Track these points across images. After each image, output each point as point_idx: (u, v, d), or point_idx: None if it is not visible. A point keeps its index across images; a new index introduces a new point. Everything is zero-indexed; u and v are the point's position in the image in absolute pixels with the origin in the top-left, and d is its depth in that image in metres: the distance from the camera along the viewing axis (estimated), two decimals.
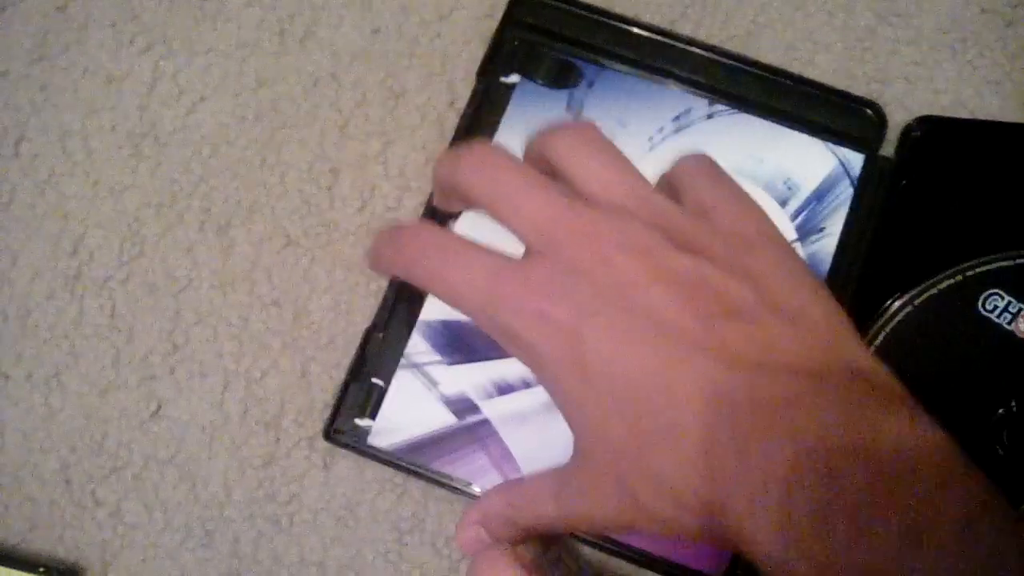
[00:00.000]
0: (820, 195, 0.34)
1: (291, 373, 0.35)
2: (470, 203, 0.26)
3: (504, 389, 0.33)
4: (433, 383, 0.33)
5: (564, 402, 0.24)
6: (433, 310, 0.33)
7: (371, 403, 0.33)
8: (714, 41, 0.36)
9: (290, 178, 0.36)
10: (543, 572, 0.27)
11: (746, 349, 0.22)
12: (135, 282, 0.35)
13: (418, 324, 0.33)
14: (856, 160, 0.34)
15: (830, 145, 0.35)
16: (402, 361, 0.33)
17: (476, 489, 0.32)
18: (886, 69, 0.37)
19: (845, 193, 0.34)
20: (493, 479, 0.32)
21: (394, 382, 0.33)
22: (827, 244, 0.34)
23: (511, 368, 0.33)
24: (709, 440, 0.21)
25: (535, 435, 0.32)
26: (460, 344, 0.33)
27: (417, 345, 0.33)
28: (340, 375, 0.34)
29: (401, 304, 0.34)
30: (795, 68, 0.36)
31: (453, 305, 0.25)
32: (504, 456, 0.32)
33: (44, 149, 0.36)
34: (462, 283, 0.25)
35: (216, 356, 0.35)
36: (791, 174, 0.34)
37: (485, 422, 0.33)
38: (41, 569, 0.33)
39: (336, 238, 0.35)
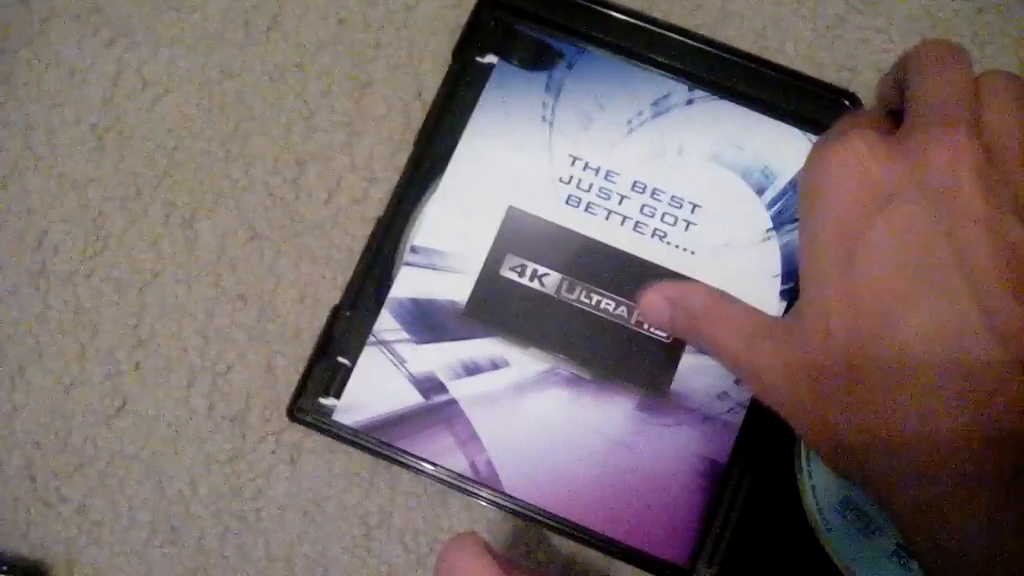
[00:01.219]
0: (797, 184, 0.34)
1: (257, 367, 0.34)
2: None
3: (472, 370, 0.33)
4: (401, 361, 0.33)
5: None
6: (403, 287, 0.33)
7: (336, 382, 0.33)
8: (687, 26, 0.35)
9: (255, 170, 0.35)
10: (511, 561, 0.26)
11: None
12: (100, 276, 0.35)
13: (387, 301, 0.33)
14: None
15: (809, 134, 0.34)
16: (370, 338, 0.33)
17: (442, 471, 0.32)
18: (856, 57, 0.36)
19: None
20: (458, 460, 0.32)
21: (361, 359, 0.33)
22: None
23: (480, 349, 0.33)
24: None
25: (502, 417, 0.32)
26: (429, 323, 0.33)
27: (386, 322, 0.33)
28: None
29: (369, 283, 0.33)
30: (765, 55, 0.35)
31: None
32: (470, 437, 0.32)
33: (7, 143, 0.36)
34: None
35: (181, 351, 0.35)
36: (769, 162, 0.34)
37: (452, 402, 0.32)
38: (4, 568, 0.33)
39: (302, 230, 0.35)
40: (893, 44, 0.36)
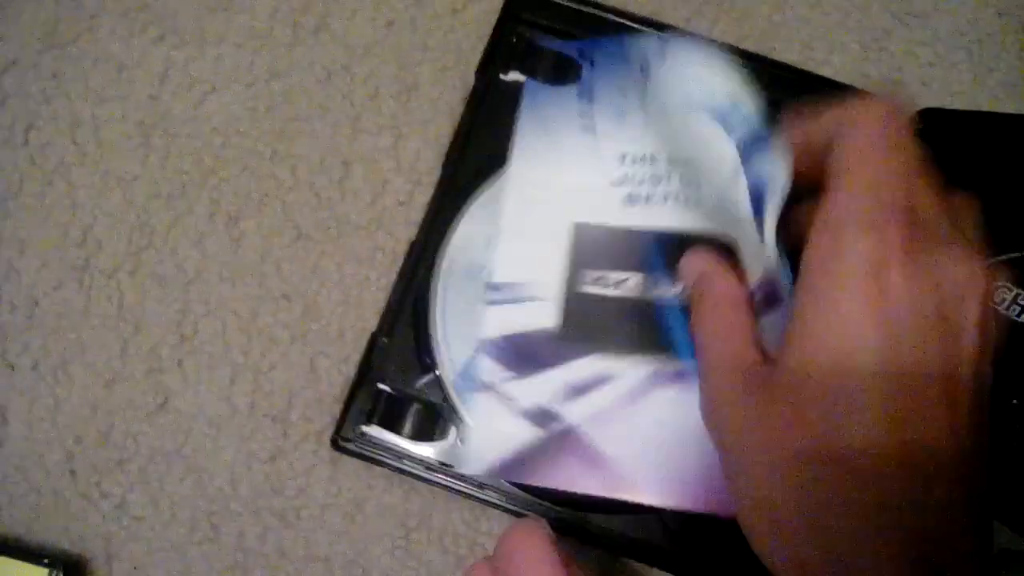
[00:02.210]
0: None
1: (300, 367, 0.34)
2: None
3: (581, 390, 0.32)
4: (510, 399, 0.32)
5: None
6: (492, 327, 0.32)
7: (379, 409, 0.33)
8: (730, 39, 0.36)
9: (301, 171, 0.36)
10: (570, 554, 0.26)
11: None
12: (143, 273, 0.35)
13: (485, 344, 0.32)
14: None
15: None
16: (475, 385, 0.32)
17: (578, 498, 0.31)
18: (901, 70, 0.36)
19: None
20: (590, 483, 0.31)
21: (471, 408, 0.32)
22: None
23: (581, 369, 0.32)
24: None
25: (621, 430, 0.31)
26: (526, 356, 0.32)
27: (485, 365, 0.32)
28: (349, 370, 0.34)
29: (406, 307, 0.33)
30: (810, 67, 0.35)
31: None
32: (597, 457, 0.31)
33: (54, 138, 0.36)
34: None
35: (224, 349, 0.35)
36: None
37: (570, 428, 0.31)
38: (45, 561, 0.33)
39: (347, 232, 0.35)
40: (939, 58, 0.36)
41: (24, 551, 0.33)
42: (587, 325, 0.32)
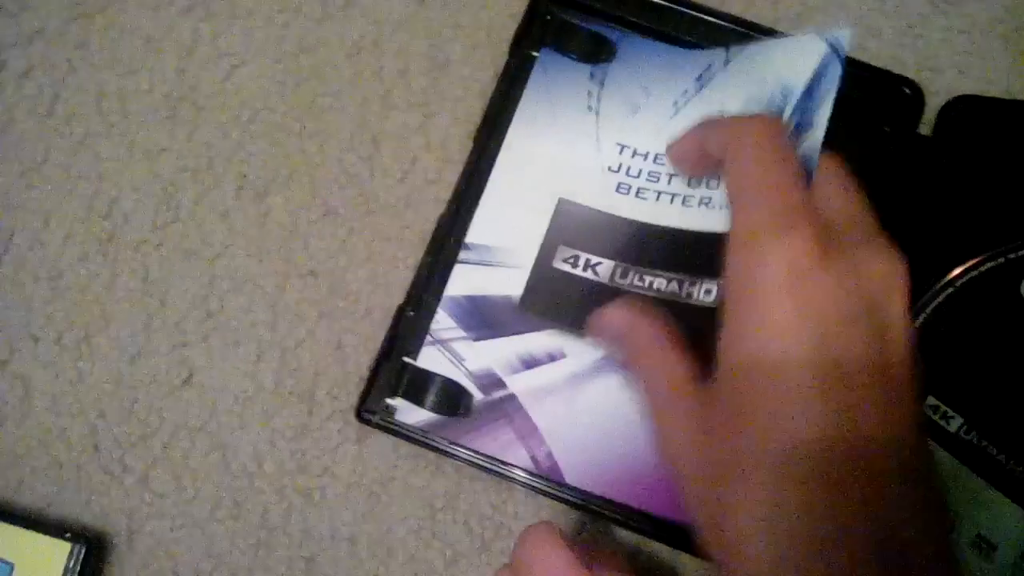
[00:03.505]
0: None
1: (326, 344, 0.34)
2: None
3: (529, 363, 0.32)
4: (459, 359, 0.33)
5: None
6: (457, 285, 0.33)
7: (403, 382, 0.33)
8: (765, 23, 0.35)
9: (330, 147, 0.35)
10: (591, 549, 0.26)
11: None
12: (169, 247, 0.35)
13: (444, 299, 0.33)
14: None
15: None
16: (428, 337, 0.33)
17: (504, 467, 0.32)
18: (937, 57, 0.36)
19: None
20: (519, 454, 0.32)
21: (420, 359, 0.33)
22: None
23: (536, 342, 0.32)
24: None
25: (561, 408, 0.32)
26: (485, 319, 0.33)
27: (442, 321, 0.33)
28: (376, 348, 0.34)
29: (433, 282, 0.33)
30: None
31: None
32: (530, 430, 0.32)
33: (80, 109, 0.36)
34: None
35: (250, 325, 0.34)
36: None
37: (511, 397, 0.32)
38: (67, 535, 0.32)
39: (375, 209, 0.35)
40: (975, 45, 0.36)
41: (46, 525, 0.33)
42: (550, 300, 0.33)
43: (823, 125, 0.30)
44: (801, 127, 0.31)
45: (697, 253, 0.32)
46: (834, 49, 0.32)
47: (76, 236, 0.35)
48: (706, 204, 0.33)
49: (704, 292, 0.32)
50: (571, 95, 0.34)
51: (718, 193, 0.33)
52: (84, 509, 0.34)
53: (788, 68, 0.32)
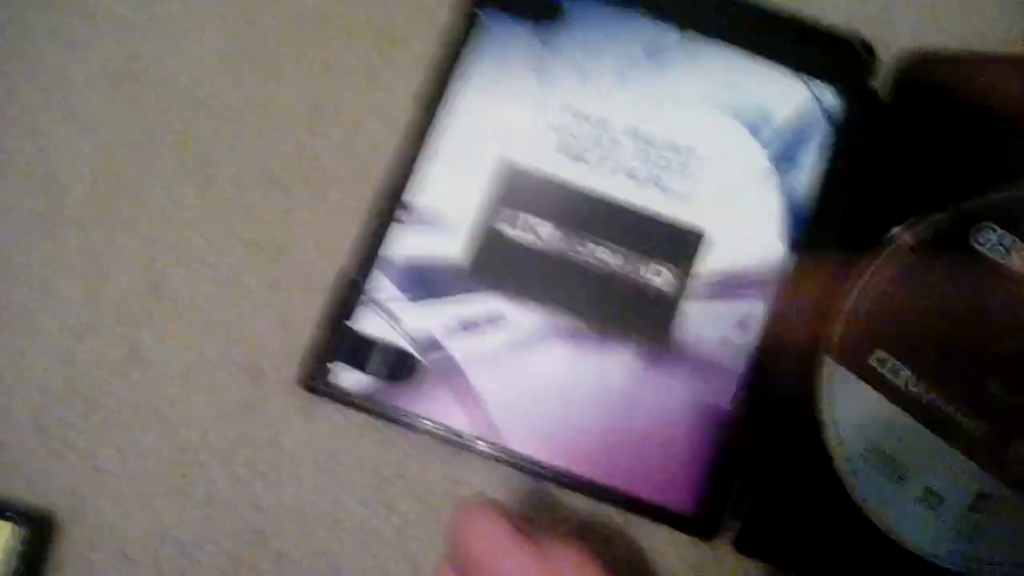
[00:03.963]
0: (794, 126, 0.34)
1: (271, 316, 0.34)
2: None
3: (469, 327, 0.32)
4: (396, 321, 0.32)
5: None
6: (397, 247, 0.33)
7: (344, 348, 0.32)
8: None
9: (274, 116, 0.35)
10: (529, 519, 0.26)
11: None
12: (112, 222, 0.34)
13: (381, 262, 0.32)
14: (831, 93, 0.34)
15: (805, 77, 0.34)
16: (365, 300, 0.32)
17: (443, 429, 0.31)
18: (890, 13, 0.36)
19: (819, 125, 0.34)
20: (457, 417, 0.32)
21: (358, 322, 0.32)
22: (801, 175, 0.33)
23: (477, 305, 0.32)
24: None
25: (501, 373, 0.32)
26: (424, 281, 0.32)
27: (380, 283, 0.32)
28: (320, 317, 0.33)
29: (375, 247, 0.33)
30: (795, 8, 0.35)
31: None
32: (469, 394, 0.32)
33: (19, 82, 0.35)
34: None
35: (194, 298, 0.34)
36: (764, 104, 0.34)
37: (450, 360, 0.32)
38: (10, 515, 0.32)
39: (319, 178, 0.35)
40: (929, 1, 0.36)
41: None
42: (491, 264, 0.32)
43: (810, 167, 0.33)
44: (782, 160, 0.33)
45: (647, 234, 0.33)
46: (819, 103, 0.33)
47: (16, 211, 0.34)
48: (656, 184, 0.33)
49: (654, 274, 0.32)
50: (516, 57, 0.34)
51: (667, 176, 0.33)
52: (28, 489, 0.33)
53: (767, 95, 0.33)
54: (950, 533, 0.30)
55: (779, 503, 0.31)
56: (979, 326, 0.31)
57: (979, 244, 0.31)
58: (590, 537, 0.32)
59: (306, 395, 0.33)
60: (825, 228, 0.33)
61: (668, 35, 0.34)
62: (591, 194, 0.33)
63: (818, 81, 0.34)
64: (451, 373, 0.32)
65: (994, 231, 0.31)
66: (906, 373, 0.31)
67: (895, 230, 0.32)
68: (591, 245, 0.33)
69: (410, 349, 0.32)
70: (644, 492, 0.31)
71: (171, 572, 0.33)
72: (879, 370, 0.31)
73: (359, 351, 0.32)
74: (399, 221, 0.33)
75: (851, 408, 0.31)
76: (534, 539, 0.26)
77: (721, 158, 0.34)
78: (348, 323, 0.32)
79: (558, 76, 0.34)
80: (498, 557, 0.25)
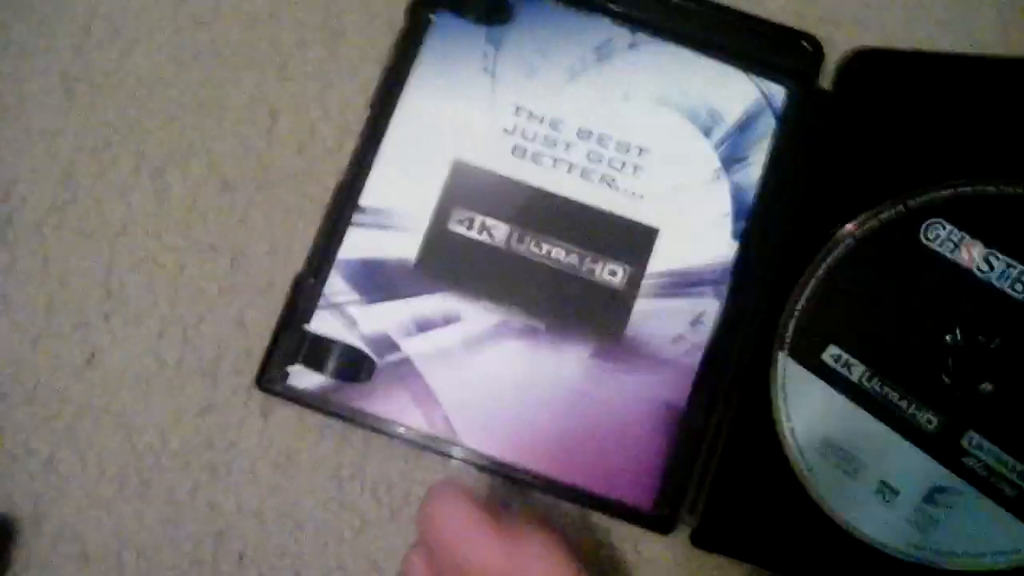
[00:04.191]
0: (744, 125, 0.34)
1: (228, 319, 0.34)
2: None
3: (424, 326, 0.32)
4: (352, 322, 0.32)
5: None
6: (351, 249, 0.33)
7: (303, 350, 0.32)
8: None
9: (228, 120, 0.35)
10: (496, 508, 0.26)
11: None
12: (68, 227, 0.35)
13: (336, 263, 0.33)
14: (780, 91, 0.34)
15: (754, 76, 0.34)
16: (321, 302, 0.32)
17: (400, 428, 0.32)
18: (836, 10, 0.36)
19: (768, 124, 0.34)
20: (414, 416, 0.32)
21: (313, 323, 0.32)
22: (751, 174, 0.33)
23: (431, 305, 0.32)
24: None
25: (456, 371, 0.32)
26: (380, 282, 0.33)
27: (336, 285, 0.32)
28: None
29: (332, 250, 0.33)
30: (744, 6, 0.35)
31: None
32: (425, 393, 0.32)
33: None
34: None
35: (151, 303, 0.34)
36: (714, 103, 0.34)
37: (405, 360, 0.32)
38: None
39: (274, 181, 0.35)
40: (877, 2, 0.36)
41: None
42: (445, 263, 0.33)
43: (760, 164, 0.33)
44: (733, 158, 0.34)
45: (601, 232, 0.33)
46: (768, 101, 0.33)
47: None
48: (609, 183, 0.33)
49: (608, 273, 0.32)
50: (467, 57, 0.34)
51: (620, 176, 0.33)
52: None
53: (718, 95, 0.34)
54: (904, 525, 0.30)
55: (735, 498, 0.32)
56: (930, 320, 0.31)
57: (928, 239, 0.31)
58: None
59: (264, 397, 0.33)
60: (776, 225, 0.33)
61: (619, 35, 0.34)
62: (544, 193, 0.33)
63: (767, 79, 0.34)
64: (407, 373, 0.32)
65: (943, 227, 0.31)
66: (860, 368, 0.31)
67: (846, 226, 0.32)
68: (545, 244, 0.33)
69: (367, 350, 0.32)
70: (601, 488, 0.31)
71: (132, 574, 0.33)
72: (832, 365, 0.31)
73: (316, 353, 0.32)
74: (354, 223, 0.33)
75: (805, 403, 0.31)
76: (502, 523, 0.26)
77: (672, 157, 0.34)
78: (305, 325, 0.32)
79: (510, 77, 0.34)
80: (467, 539, 0.26)
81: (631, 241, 0.33)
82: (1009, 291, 0.30)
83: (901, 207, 0.32)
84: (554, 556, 0.26)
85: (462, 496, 0.27)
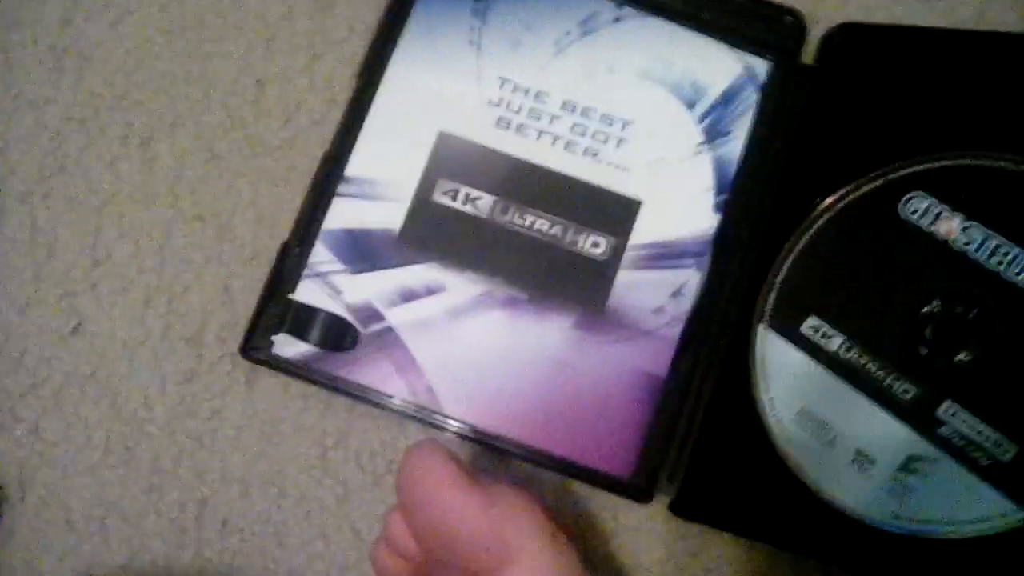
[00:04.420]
0: (727, 99, 0.34)
1: (214, 288, 0.34)
2: None
3: (408, 296, 0.33)
4: (337, 292, 0.33)
5: None
6: (336, 218, 0.33)
7: (287, 318, 0.32)
8: None
9: (215, 92, 0.35)
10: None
11: None
12: (56, 197, 0.35)
13: (321, 233, 0.33)
14: (763, 66, 0.34)
15: (738, 50, 0.34)
16: (306, 271, 0.33)
17: (383, 397, 0.32)
18: None
19: (751, 98, 0.34)
20: (398, 385, 0.32)
21: (298, 292, 0.33)
22: (734, 148, 0.34)
23: (416, 275, 0.33)
24: None
25: (439, 341, 0.32)
26: (364, 252, 0.33)
27: (321, 254, 0.33)
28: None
29: (317, 219, 0.33)
30: None
31: None
32: (408, 363, 0.32)
33: None
34: None
35: (138, 271, 0.34)
36: (698, 77, 0.34)
37: (389, 330, 0.32)
38: None
39: (261, 152, 0.35)
40: None
41: None
42: (430, 234, 0.33)
43: (742, 138, 0.34)
44: (716, 131, 0.34)
45: (584, 204, 0.33)
46: (751, 75, 0.33)
47: None
48: (593, 156, 0.34)
49: (591, 244, 0.33)
50: (453, 29, 0.34)
51: (604, 148, 0.33)
52: None
53: (702, 69, 0.34)
54: (881, 494, 0.31)
55: (714, 467, 0.32)
56: (908, 291, 0.31)
57: (907, 212, 0.31)
58: None
59: (249, 365, 0.33)
60: (758, 198, 0.33)
61: (604, 9, 0.34)
62: (529, 165, 0.33)
63: (750, 53, 0.34)
64: (391, 342, 0.32)
65: (922, 199, 0.31)
66: (838, 338, 0.31)
67: (826, 199, 0.32)
68: (529, 216, 0.33)
69: (351, 319, 0.32)
70: (581, 457, 0.32)
71: (117, 541, 0.33)
72: (811, 336, 0.32)
73: (301, 322, 0.32)
74: (339, 194, 0.33)
75: (784, 374, 0.32)
76: (478, 482, 0.26)
77: (656, 130, 0.34)
78: (290, 295, 0.33)
79: (495, 49, 0.34)
80: (444, 496, 0.26)
81: (614, 213, 0.33)
82: (986, 263, 0.31)
83: (881, 180, 0.32)
84: (529, 514, 0.26)
85: (438, 454, 0.27)
